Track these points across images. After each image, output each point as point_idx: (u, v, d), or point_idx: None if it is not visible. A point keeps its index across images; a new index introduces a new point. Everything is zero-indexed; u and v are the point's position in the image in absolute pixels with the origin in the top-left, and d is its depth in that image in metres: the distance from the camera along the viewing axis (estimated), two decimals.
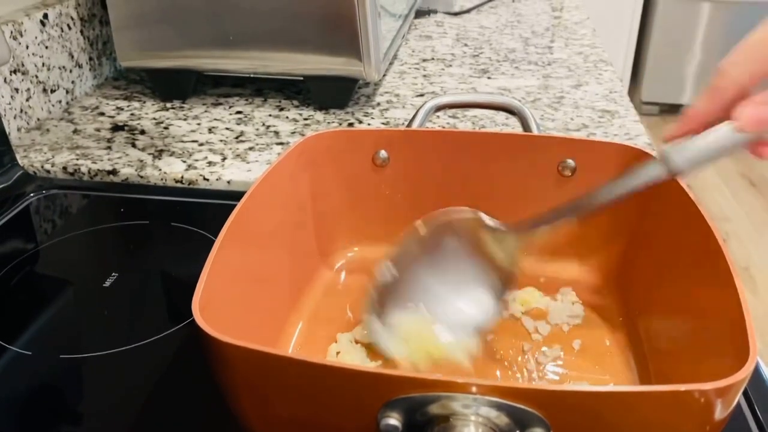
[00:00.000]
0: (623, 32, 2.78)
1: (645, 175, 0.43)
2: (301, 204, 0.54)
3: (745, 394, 0.44)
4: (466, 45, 1.09)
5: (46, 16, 0.82)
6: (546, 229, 0.45)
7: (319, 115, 0.84)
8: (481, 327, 0.45)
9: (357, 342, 0.48)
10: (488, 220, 0.47)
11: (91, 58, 0.92)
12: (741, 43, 0.42)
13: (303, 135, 0.78)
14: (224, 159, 0.73)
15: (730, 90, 0.41)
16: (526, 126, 0.60)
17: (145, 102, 0.88)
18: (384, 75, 0.96)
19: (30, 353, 0.48)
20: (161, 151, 0.75)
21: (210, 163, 0.72)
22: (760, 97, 0.39)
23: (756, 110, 0.39)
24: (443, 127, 0.80)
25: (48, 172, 0.73)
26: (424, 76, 0.96)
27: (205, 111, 0.85)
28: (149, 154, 0.75)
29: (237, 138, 0.78)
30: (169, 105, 0.87)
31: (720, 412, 0.32)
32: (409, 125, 0.61)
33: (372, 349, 0.47)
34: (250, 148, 0.76)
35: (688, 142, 0.41)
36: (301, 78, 0.84)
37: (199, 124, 0.82)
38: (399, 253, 0.48)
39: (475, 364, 0.47)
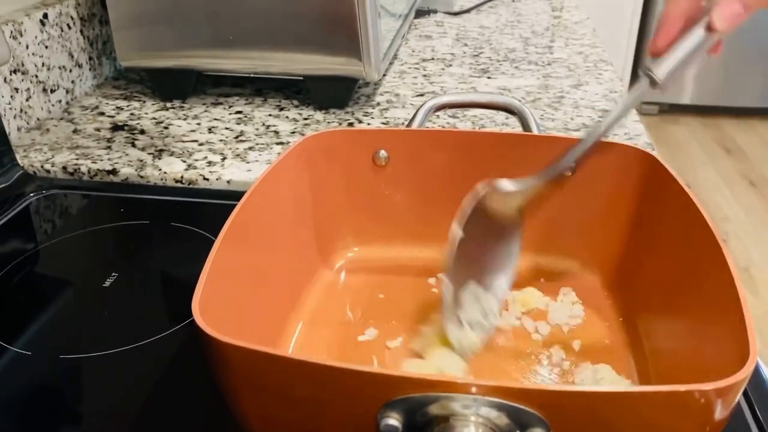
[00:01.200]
0: (623, 32, 2.77)
1: (634, 93, 0.45)
2: (301, 204, 0.53)
3: (745, 394, 0.44)
4: (466, 45, 1.09)
5: (46, 15, 0.82)
6: (554, 178, 0.47)
7: (319, 115, 0.84)
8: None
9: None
10: (503, 184, 0.47)
11: (91, 58, 0.92)
12: None
13: (303, 135, 0.78)
14: (224, 159, 0.73)
15: None
16: (526, 126, 0.60)
17: (145, 102, 0.88)
18: (384, 75, 0.96)
19: (30, 353, 0.48)
20: (161, 150, 0.75)
21: (210, 163, 0.72)
22: None
23: (727, 8, 0.41)
24: (443, 127, 0.80)
25: (48, 172, 0.73)
26: (424, 75, 0.96)
27: (205, 111, 0.85)
28: (149, 153, 0.75)
29: (237, 138, 0.78)
30: (169, 105, 0.87)
31: (720, 413, 0.32)
32: (409, 125, 0.61)
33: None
34: (250, 148, 0.76)
35: (667, 54, 0.44)
36: (301, 78, 0.84)
37: (199, 123, 0.82)
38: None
39: (476, 364, 0.47)
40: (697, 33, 0.43)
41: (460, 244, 0.47)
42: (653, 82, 0.44)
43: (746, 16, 0.42)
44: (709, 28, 0.42)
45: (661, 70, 0.43)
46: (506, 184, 0.47)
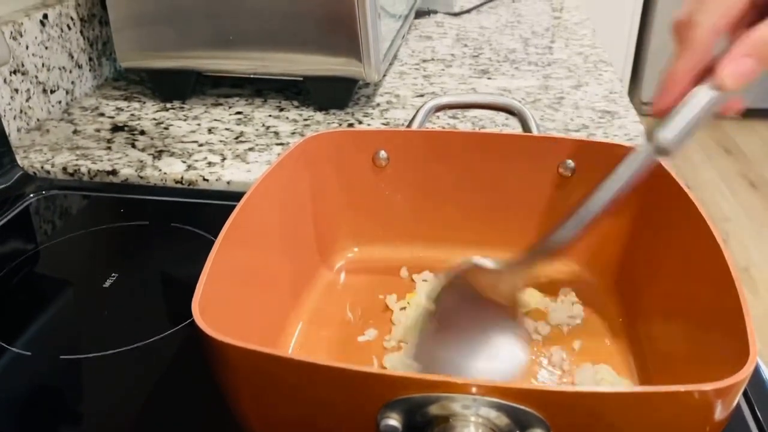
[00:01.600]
0: (623, 32, 2.77)
1: (635, 162, 0.40)
2: (301, 204, 0.54)
3: (745, 394, 0.44)
4: (466, 45, 1.09)
5: (45, 16, 0.82)
6: (544, 259, 0.43)
7: (319, 116, 0.84)
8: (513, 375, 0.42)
9: None
10: (485, 262, 0.43)
11: (90, 59, 0.92)
12: None
13: (303, 135, 0.78)
14: (224, 159, 0.73)
15: (707, 40, 0.38)
16: (526, 126, 0.60)
17: (145, 102, 0.88)
18: (384, 75, 0.96)
19: (30, 354, 0.48)
20: (161, 151, 0.75)
21: (210, 164, 0.72)
22: (737, 51, 0.37)
23: (738, 65, 0.37)
24: (443, 128, 0.80)
25: (48, 172, 0.73)
26: (424, 76, 0.96)
27: (205, 111, 0.85)
28: (149, 154, 0.75)
29: (237, 138, 0.78)
30: (168, 105, 0.87)
31: (720, 413, 0.32)
32: (409, 126, 0.61)
33: None
34: (250, 149, 0.76)
35: (671, 116, 0.38)
36: (301, 78, 0.84)
37: (198, 124, 0.82)
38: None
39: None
40: (705, 91, 0.38)
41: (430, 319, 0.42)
42: (660, 150, 0.39)
43: (760, 71, 0.37)
44: (719, 87, 0.37)
45: (668, 134, 0.38)
46: (485, 262, 0.43)
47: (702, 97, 0.38)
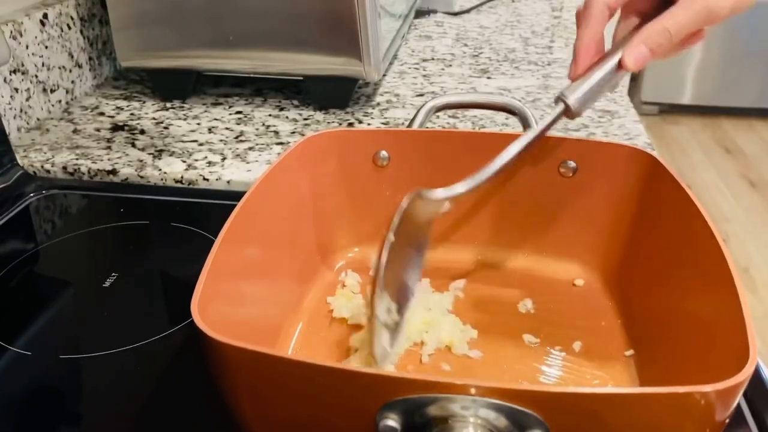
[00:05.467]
0: None
1: (548, 117, 0.48)
2: (301, 204, 0.53)
3: (745, 395, 0.44)
4: (465, 45, 1.09)
5: (45, 16, 0.82)
6: (467, 191, 0.47)
7: (319, 115, 0.84)
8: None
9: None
10: (425, 192, 0.46)
11: (90, 58, 0.92)
12: None
13: (303, 135, 0.78)
14: (224, 159, 0.73)
15: (600, 15, 0.47)
16: (526, 126, 0.60)
17: (145, 102, 0.88)
18: (384, 75, 0.96)
19: (30, 353, 0.48)
20: (161, 151, 0.75)
21: (210, 163, 0.72)
22: (636, 39, 0.45)
23: (638, 52, 0.45)
24: (443, 127, 0.80)
25: (48, 172, 0.73)
26: (424, 76, 0.96)
27: (205, 111, 0.85)
28: (149, 154, 0.75)
29: (237, 138, 0.78)
30: (169, 105, 0.87)
31: (720, 414, 0.32)
32: (409, 125, 0.61)
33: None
34: (250, 148, 0.76)
35: (578, 83, 0.47)
36: (301, 78, 0.84)
37: (199, 124, 0.82)
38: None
39: (475, 364, 0.47)
40: (608, 67, 0.46)
41: (391, 249, 0.45)
42: (567, 109, 0.47)
43: (651, 58, 0.46)
44: (620, 66, 0.46)
45: (574, 96, 0.46)
46: (430, 193, 0.46)
47: (606, 71, 0.46)
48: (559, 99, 0.47)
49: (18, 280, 0.57)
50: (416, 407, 0.32)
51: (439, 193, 0.46)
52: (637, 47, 0.45)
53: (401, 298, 0.46)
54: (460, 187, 0.46)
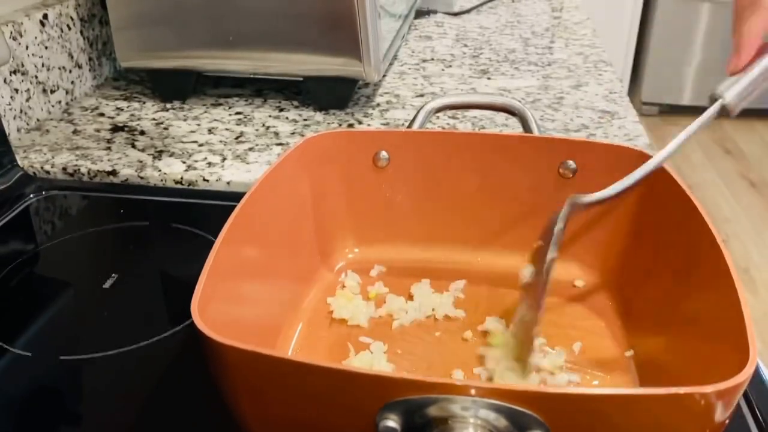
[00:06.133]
0: (623, 32, 2.77)
1: (706, 115, 0.45)
2: (301, 205, 0.53)
3: (746, 395, 0.44)
4: (465, 45, 1.09)
5: (45, 16, 0.82)
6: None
7: (318, 116, 0.84)
8: None
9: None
10: (584, 198, 0.47)
11: (90, 59, 0.92)
12: None
13: (303, 136, 0.78)
14: (224, 160, 0.73)
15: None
16: (526, 127, 0.60)
17: (145, 102, 0.88)
18: (384, 75, 0.96)
19: (30, 354, 0.48)
20: (161, 151, 0.75)
21: (210, 164, 0.72)
22: None
23: None
24: (443, 128, 0.80)
25: (48, 172, 0.73)
26: (424, 76, 0.96)
27: (205, 111, 0.85)
28: (149, 154, 0.75)
29: (237, 139, 0.78)
30: (168, 105, 0.87)
31: (720, 414, 0.32)
32: (409, 126, 0.61)
33: None
34: (250, 149, 0.76)
35: (735, 78, 0.44)
36: (301, 78, 0.84)
37: (198, 124, 0.82)
38: None
39: (475, 365, 0.47)
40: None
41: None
42: (724, 108, 0.44)
43: None
44: None
45: (733, 91, 0.44)
46: (589, 198, 0.47)
47: (764, 65, 0.43)
48: (714, 98, 0.45)
49: (18, 281, 0.57)
50: (416, 408, 0.32)
51: (596, 195, 0.47)
52: None
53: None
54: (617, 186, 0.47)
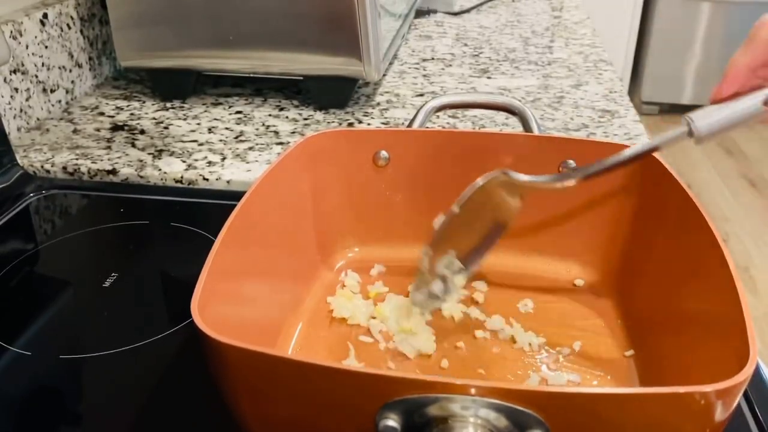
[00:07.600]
0: (623, 32, 2.77)
1: (667, 137, 0.43)
2: (301, 204, 0.53)
3: (746, 395, 0.44)
4: (465, 45, 1.09)
5: (45, 15, 0.82)
6: (560, 184, 0.46)
7: (319, 115, 0.84)
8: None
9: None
10: (515, 175, 0.47)
11: (90, 58, 0.92)
12: None
13: (303, 135, 0.78)
14: (224, 159, 0.73)
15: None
16: (526, 126, 0.60)
17: (144, 102, 0.88)
18: (384, 75, 0.96)
19: (30, 353, 0.48)
20: (161, 150, 0.75)
21: (210, 163, 0.72)
22: None
23: None
24: (443, 127, 0.80)
25: (48, 172, 0.73)
26: (424, 75, 0.96)
27: (205, 111, 0.85)
28: (149, 153, 0.75)
29: (237, 138, 0.78)
30: (168, 105, 0.87)
31: (720, 414, 0.32)
32: (409, 125, 0.61)
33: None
34: (250, 148, 0.76)
35: (714, 108, 0.42)
36: (301, 78, 0.84)
37: (198, 124, 0.82)
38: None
39: (474, 365, 0.47)
40: (753, 101, 0.41)
41: (452, 218, 0.48)
42: (691, 133, 0.42)
43: None
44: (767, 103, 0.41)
45: (703, 124, 0.42)
46: (518, 176, 0.47)
47: (747, 104, 0.41)
48: (686, 121, 0.42)
49: (18, 280, 0.57)
50: (416, 407, 0.32)
51: (522, 177, 0.46)
52: None
53: (467, 262, 0.50)
54: (543, 178, 0.46)
